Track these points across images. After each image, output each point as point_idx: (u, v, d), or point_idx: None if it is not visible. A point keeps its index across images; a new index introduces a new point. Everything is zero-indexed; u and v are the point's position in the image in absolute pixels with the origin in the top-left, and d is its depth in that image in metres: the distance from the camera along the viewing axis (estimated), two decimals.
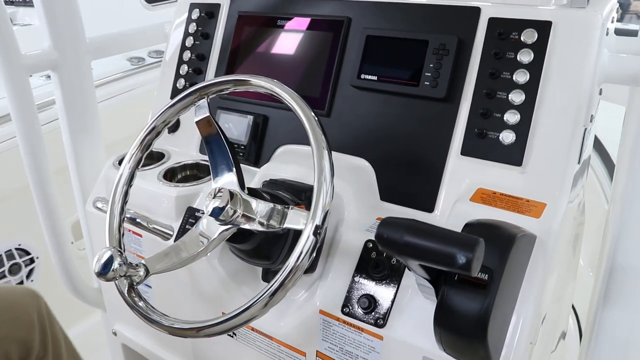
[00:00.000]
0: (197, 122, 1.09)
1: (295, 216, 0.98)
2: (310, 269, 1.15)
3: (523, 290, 0.94)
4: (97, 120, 1.79)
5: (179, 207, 1.36)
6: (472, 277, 0.81)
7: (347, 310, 1.08)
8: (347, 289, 1.09)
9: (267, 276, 1.24)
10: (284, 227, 0.98)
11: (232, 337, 1.32)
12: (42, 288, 1.57)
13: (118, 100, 2.82)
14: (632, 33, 1.32)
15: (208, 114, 1.08)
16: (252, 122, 1.44)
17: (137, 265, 1.01)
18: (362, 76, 1.28)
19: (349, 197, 1.19)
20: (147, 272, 1.02)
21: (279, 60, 1.44)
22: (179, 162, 1.51)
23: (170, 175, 1.49)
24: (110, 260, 0.97)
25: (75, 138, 1.74)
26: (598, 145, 2.29)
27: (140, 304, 1.01)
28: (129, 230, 1.46)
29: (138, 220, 1.43)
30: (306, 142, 0.96)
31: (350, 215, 1.17)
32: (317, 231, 0.88)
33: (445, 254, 0.71)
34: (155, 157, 1.56)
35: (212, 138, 1.08)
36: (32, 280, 2.47)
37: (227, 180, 1.06)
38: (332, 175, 0.92)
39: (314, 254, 0.88)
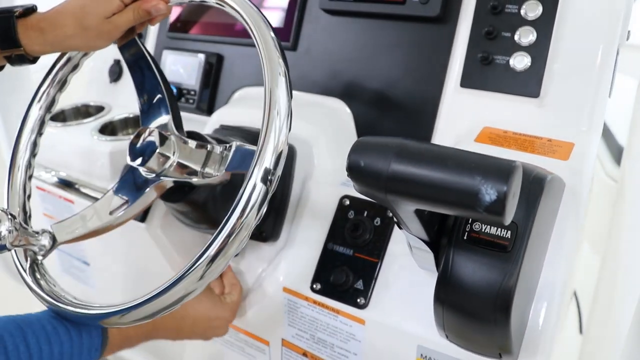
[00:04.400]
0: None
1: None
2: (273, 236, 0.91)
3: (551, 253, 0.70)
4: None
5: (114, 166, 1.11)
6: (489, 236, 0.57)
7: (318, 287, 0.84)
8: (318, 260, 0.85)
9: None
10: (224, 171, 0.72)
11: None
12: None
13: None
14: None
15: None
16: (204, 62, 1.19)
17: (39, 232, 0.77)
18: None
19: (321, 144, 0.95)
20: (54, 242, 0.78)
21: None
22: (119, 116, 1.25)
23: (110, 133, 1.24)
24: None
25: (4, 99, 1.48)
26: None
27: (42, 282, 0.76)
28: (60, 197, 1.21)
29: (68, 182, 1.18)
30: None
31: (322, 167, 0.93)
32: (267, 177, 0.63)
33: (461, 187, 0.44)
34: (93, 113, 1.30)
35: (134, 58, 0.82)
36: None
37: (160, 120, 0.81)
38: (289, 100, 0.67)
39: (264, 208, 0.63)
